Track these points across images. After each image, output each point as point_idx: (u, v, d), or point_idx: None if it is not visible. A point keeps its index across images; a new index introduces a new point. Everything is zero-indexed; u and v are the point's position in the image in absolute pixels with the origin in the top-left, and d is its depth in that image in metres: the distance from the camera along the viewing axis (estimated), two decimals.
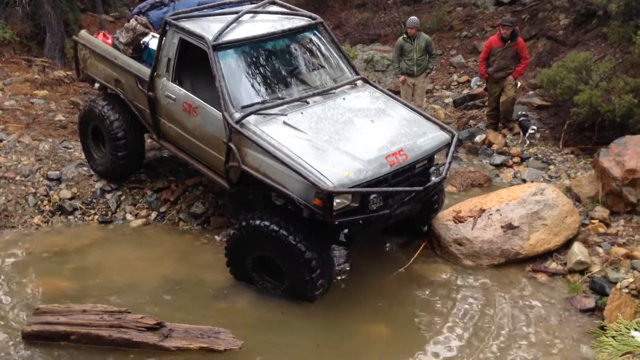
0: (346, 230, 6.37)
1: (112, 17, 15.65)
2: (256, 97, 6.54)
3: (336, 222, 5.82)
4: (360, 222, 6.06)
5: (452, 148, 6.56)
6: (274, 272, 6.34)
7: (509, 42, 9.35)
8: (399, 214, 6.36)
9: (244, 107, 6.36)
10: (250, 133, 6.13)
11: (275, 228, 6.00)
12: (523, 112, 9.79)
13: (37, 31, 13.39)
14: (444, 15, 14.33)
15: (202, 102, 6.68)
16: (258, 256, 6.34)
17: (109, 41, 8.35)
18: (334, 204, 5.67)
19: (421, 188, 6.28)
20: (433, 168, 6.49)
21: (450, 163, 6.52)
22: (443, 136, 6.61)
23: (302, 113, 6.38)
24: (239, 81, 6.57)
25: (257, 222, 6.12)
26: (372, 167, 5.89)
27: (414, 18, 10.00)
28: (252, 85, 6.64)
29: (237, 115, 6.26)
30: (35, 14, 13.27)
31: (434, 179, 6.43)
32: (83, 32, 8.59)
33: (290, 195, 5.90)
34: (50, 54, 13.14)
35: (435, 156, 6.56)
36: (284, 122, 6.23)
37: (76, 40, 8.48)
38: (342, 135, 6.21)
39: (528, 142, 9.38)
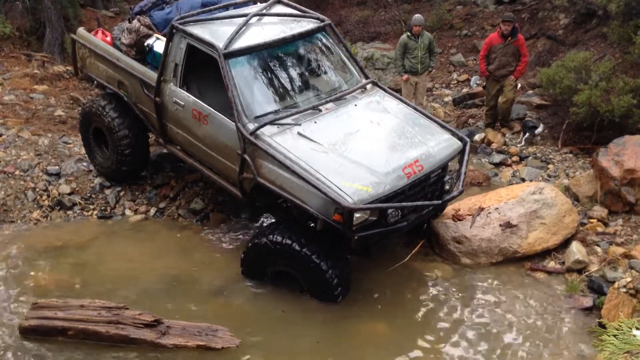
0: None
1: (112, 12, 15.60)
2: (269, 106, 6.45)
3: (355, 237, 5.83)
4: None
5: (465, 156, 6.54)
6: (291, 281, 6.36)
7: (509, 38, 9.32)
8: (415, 222, 6.42)
9: (257, 117, 6.28)
10: (265, 145, 6.05)
11: (289, 242, 6.01)
12: (527, 114, 9.80)
13: (36, 26, 13.35)
14: (444, 13, 14.30)
15: (213, 110, 6.56)
16: (276, 270, 6.35)
17: (108, 39, 8.20)
18: (354, 219, 5.68)
19: (440, 202, 6.35)
20: (447, 177, 6.51)
21: (465, 174, 6.47)
22: (456, 143, 6.59)
23: (315, 122, 6.32)
24: (251, 90, 6.46)
25: (273, 238, 6.10)
26: (389, 180, 5.89)
27: (419, 16, 9.95)
28: (265, 94, 6.56)
29: (251, 127, 6.17)
30: (35, 9, 13.23)
31: (447, 187, 6.50)
32: (81, 30, 8.38)
33: (309, 210, 5.88)
34: (50, 49, 13.11)
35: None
36: (299, 133, 6.17)
37: (74, 39, 8.31)
38: (357, 146, 6.17)
39: (523, 142, 9.39)
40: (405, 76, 9.98)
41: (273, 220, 7.29)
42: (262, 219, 7.86)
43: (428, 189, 6.36)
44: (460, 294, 6.48)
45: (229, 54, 6.38)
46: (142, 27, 7.76)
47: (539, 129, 9.36)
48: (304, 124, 6.26)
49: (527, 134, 9.35)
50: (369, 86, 7.07)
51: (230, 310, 6.33)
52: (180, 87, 6.93)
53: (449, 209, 7.28)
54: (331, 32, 7.28)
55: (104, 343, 5.64)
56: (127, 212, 8.12)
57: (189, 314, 6.07)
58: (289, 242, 6.03)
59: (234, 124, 6.26)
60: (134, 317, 5.72)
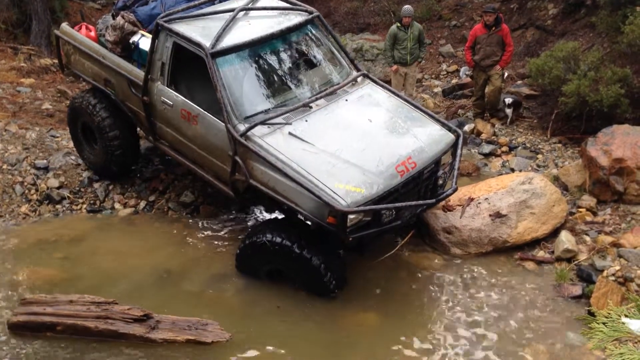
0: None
1: (98, 4, 15.47)
2: (259, 105, 6.32)
3: (350, 238, 5.79)
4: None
5: (458, 150, 6.46)
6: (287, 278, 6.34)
7: (493, 28, 9.34)
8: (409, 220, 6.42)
9: (247, 118, 6.17)
10: (256, 147, 5.96)
11: (288, 244, 5.96)
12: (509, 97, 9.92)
13: (23, 18, 13.24)
14: (434, 4, 14.26)
15: (202, 110, 6.44)
16: (270, 269, 6.32)
17: (92, 34, 7.97)
18: (347, 221, 5.63)
19: (433, 201, 6.29)
20: (441, 172, 6.46)
21: (458, 169, 6.39)
22: (448, 136, 6.51)
23: (306, 120, 6.22)
24: (240, 90, 6.33)
25: (273, 238, 6.04)
26: (382, 179, 5.84)
27: (408, 7, 9.94)
28: (255, 93, 6.42)
29: (242, 128, 6.06)
30: (21, 1, 13.12)
31: (441, 182, 6.46)
32: (64, 26, 8.10)
33: (302, 213, 5.83)
34: (37, 41, 12.99)
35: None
36: (290, 133, 6.07)
37: (58, 35, 8.07)
38: (349, 144, 6.08)
39: (508, 119, 9.53)
40: (395, 67, 9.98)
41: (269, 217, 7.21)
42: (251, 210, 7.85)
43: (421, 185, 6.31)
44: (450, 284, 6.50)
45: (216, 54, 6.23)
46: (126, 24, 7.51)
47: (509, 100, 9.48)
48: (294, 123, 6.15)
49: (507, 108, 9.50)
50: (359, 79, 6.95)
51: (221, 304, 6.32)
52: (168, 86, 6.78)
53: None
54: (320, 24, 7.16)
55: (93, 338, 5.62)
56: (117, 205, 8.08)
57: (179, 308, 6.04)
58: (288, 244, 5.97)
59: (223, 124, 6.16)
60: (123, 311, 5.70)
